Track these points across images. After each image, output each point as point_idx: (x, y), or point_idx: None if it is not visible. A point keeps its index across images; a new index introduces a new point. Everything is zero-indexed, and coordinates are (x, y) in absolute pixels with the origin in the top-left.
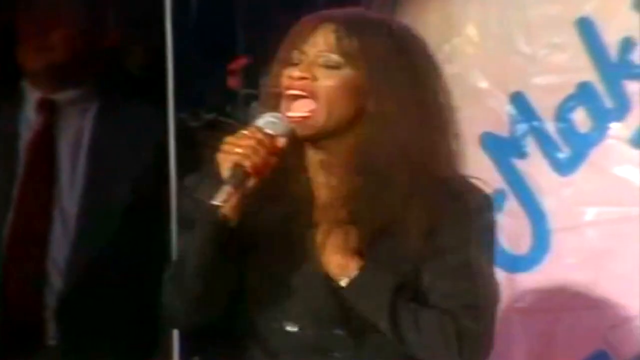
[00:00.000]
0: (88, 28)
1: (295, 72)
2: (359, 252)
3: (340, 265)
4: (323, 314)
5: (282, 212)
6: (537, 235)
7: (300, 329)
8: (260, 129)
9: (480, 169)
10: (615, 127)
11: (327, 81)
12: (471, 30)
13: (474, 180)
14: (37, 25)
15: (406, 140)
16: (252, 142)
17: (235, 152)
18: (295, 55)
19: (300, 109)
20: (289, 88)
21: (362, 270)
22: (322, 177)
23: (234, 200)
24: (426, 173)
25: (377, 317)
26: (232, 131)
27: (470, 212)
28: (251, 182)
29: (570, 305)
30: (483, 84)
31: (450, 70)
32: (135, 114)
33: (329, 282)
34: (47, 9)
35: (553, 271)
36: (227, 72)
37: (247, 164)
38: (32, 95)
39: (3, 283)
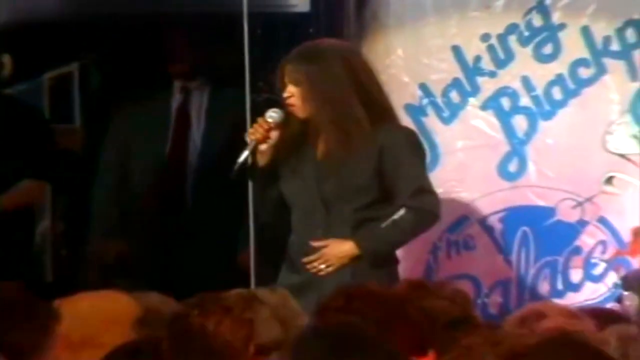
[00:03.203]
0: (200, 47)
1: (287, 92)
2: None
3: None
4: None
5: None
6: (432, 156)
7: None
8: (264, 119)
9: (406, 124)
10: (472, 100)
11: (298, 92)
12: (400, 52)
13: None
14: (175, 48)
15: (330, 108)
16: (257, 127)
17: (252, 132)
18: (284, 83)
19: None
20: (287, 100)
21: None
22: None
23: (264, 150)
24: (365, 127)
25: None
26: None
27: (408, 136)
28: (262, 146)
29: (449, 191)
30: (406, 79)
31: (389, 72)
32: (228, 94)
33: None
34: (180, 40)
35: (441, 174)
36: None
37: (253, 137)
38: (177, 85)
39: (163, 182)
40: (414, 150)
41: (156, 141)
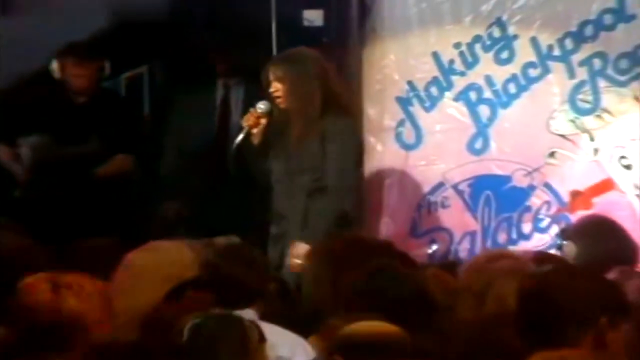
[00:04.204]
0: (238, 51)
1: (274, 88)
2: None
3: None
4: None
5: (279, 138)
6: (417, 135)
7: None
8: (255, 109)
9: (397, 112)
10: (447, 94)
11: (282, 88)
12: (392, 56)
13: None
14: (219, 53)
15: (304, 101)
16: (250, 116)
17: (245, 119)
18: (270, 81)
19: (278, 98)
20: (274, 93)
21: None
22: (290, 126)
23: (256, 133)
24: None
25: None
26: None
27: (346, 126)
28: (253, 130)
29: (430, 163)
30: (397, 77)
31: (384, 72)
32: (259, 89)
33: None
34: (223, 46)
35: (423, 151)
36: None
37: (246, 124)
38: (220, 82)
39: (210, 157)
40: (346, 138)
41: (205, 126)
